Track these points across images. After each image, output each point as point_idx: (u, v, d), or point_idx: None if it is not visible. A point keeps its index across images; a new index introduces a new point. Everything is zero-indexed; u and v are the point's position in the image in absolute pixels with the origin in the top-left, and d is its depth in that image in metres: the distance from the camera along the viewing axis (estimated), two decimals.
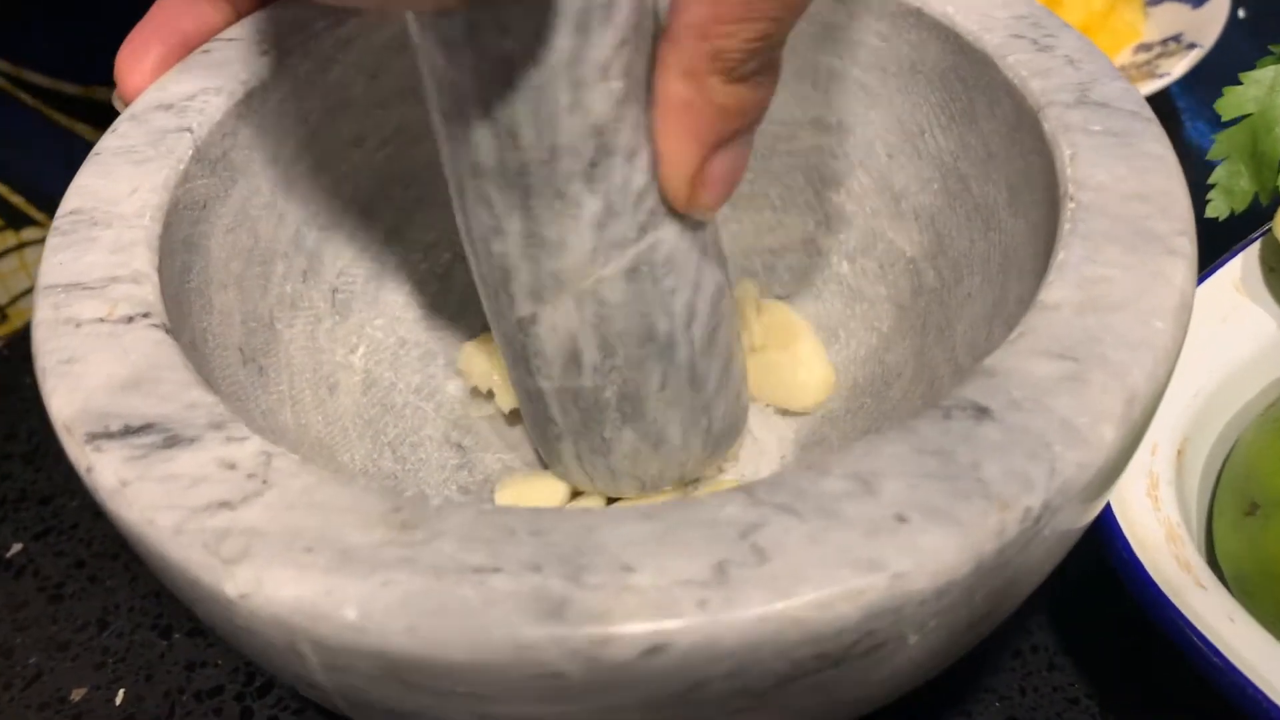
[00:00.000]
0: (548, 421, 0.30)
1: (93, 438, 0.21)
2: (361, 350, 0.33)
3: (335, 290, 0.33)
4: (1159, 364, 0.21)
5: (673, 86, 0.23)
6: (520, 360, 0.29)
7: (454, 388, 0.34)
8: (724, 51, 0.22)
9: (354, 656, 0.18)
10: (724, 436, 0.31)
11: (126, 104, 0.30)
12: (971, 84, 0.29)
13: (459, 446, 0.33)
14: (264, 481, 0.20)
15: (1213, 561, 0.31)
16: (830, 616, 0.18)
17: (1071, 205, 0.24)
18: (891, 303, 0.32)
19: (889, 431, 0.20)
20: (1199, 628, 0.27)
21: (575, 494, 0.32)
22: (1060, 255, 0.23)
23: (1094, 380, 0.20)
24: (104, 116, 0.30)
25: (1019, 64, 0.27)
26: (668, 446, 0.30)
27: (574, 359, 0.28)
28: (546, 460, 0.32)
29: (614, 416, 0.29)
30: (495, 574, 0.18)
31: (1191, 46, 0.49)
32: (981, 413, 0.20)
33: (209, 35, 0.31)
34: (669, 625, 0.17)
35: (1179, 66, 0.47)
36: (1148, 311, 0.21)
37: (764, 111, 0.24)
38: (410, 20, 0.23)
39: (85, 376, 0.22)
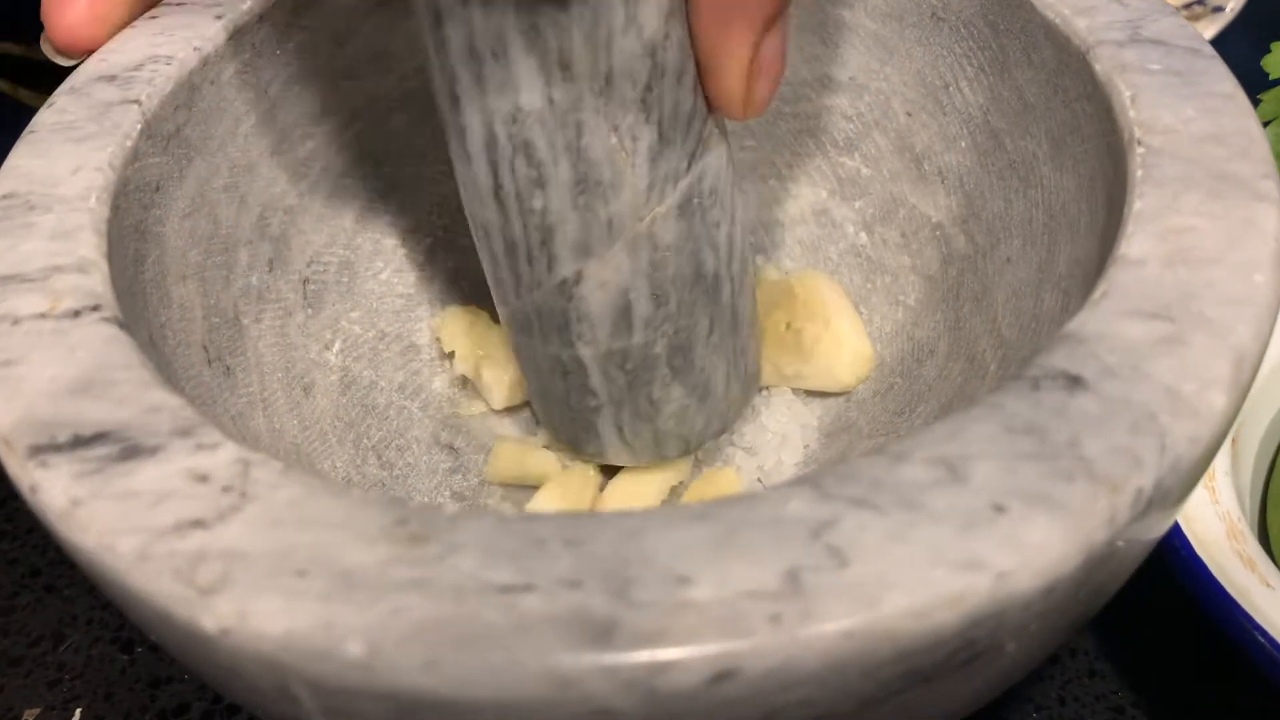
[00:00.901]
0: (585, 395, 0.27)
1: (36, 451, 0.18)
2: (337, 346, 0.30)
3: (306, 280, 0.30)
4: (1264, 321, 0.18)
5: None
6: (557, 330, 0.26)
7: (440, 384, 0.31)
8: None
9: (360, 699, 0.15)
10: (753, 379, 0.30)
11: (58, 50, 0.26)
12: (1003, 29, 0.27)
13: (450, 448, 0.30)
14: (242, 495, 0.17)
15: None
16: (926, 627, 0.15)
17: (1140, 150, 0.21)
18: (917, 273, 0.30)
19: (971, 409, 0.17)
20: (1270, 631, 0.24)
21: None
22: (1136, 205, 0.20)
23: (1195, 342, 0.18)
24: (50, 79, 0.26)
25: (1060, 2, 0.25)
26: (713, 397, 0.29)
27: (624, 316, 0.25)
28: (572, 441, 0.30)
29: (664, 373, 0.27)
30: (526, 593, 0.15)
31: (1217, 10, 0.47)
32: (1074, 382, 0.17)
33: None
34: (738, 646, 0.15)
35: (1208, 31, 0.45)
36: (1244, 264, 0.19)
37: None
38: None
39: (26, 380, 0.19)
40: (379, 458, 0.29)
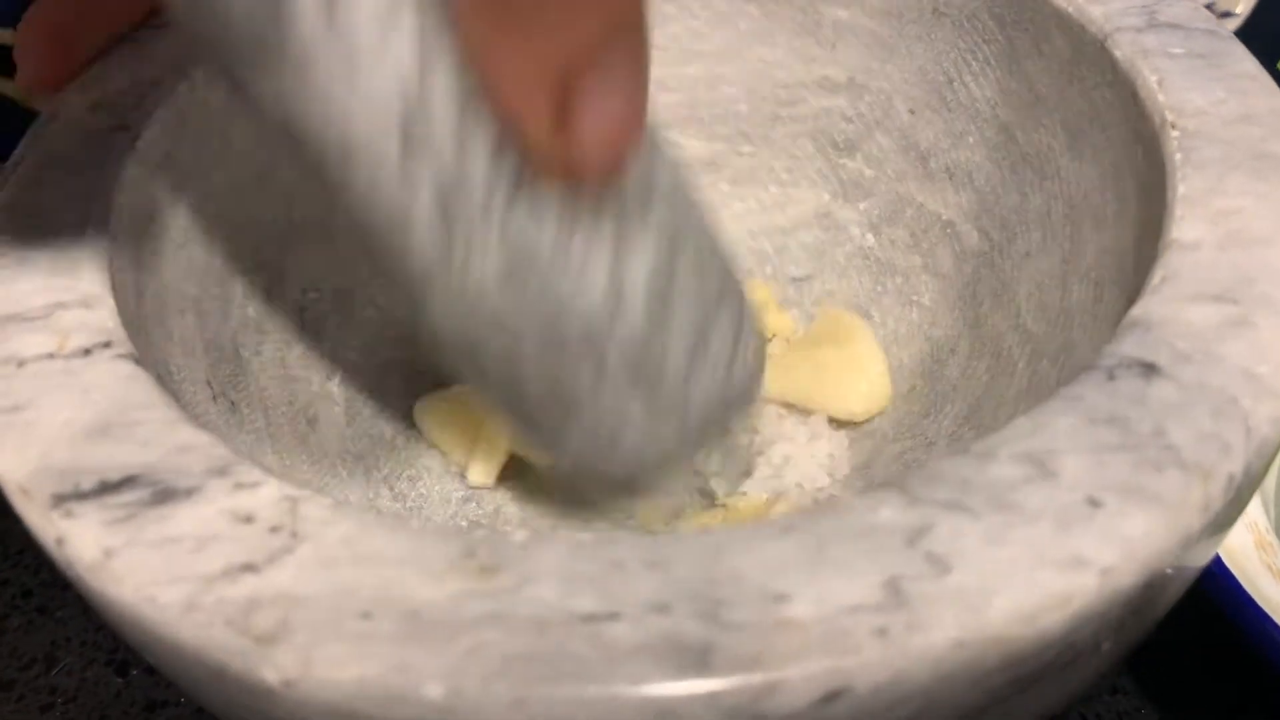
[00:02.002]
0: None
1: (59, 500, 0.16)
2: (339, 376, 0.29)
3: (303, 309, 0.28)
4: None
5: None
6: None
7: None
8: None
9: None
10: (716, 419, 0.25)
11: (30, 89, 0.25)
12: (1010, 21, 0.26)
13: (462, 476, 0.29)
14: (293, 534, 0.16)
15: None
16: (1035, 632, 0.14)
17: (1175, 134, 0.21)
18: (929, 272, 0.29)
19: (1050, 402, 0.17)
20: None
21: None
22: (1181, 189, 0.20)
23: (1262, 323, 0.18)
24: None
25: None
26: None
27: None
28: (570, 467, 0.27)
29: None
30: (613, 621, 0.14)
31: (1226, 15, 0.47)
32: (1149, 369, 0.17)
33: (128, 14, 0.26)
34: (846, 663, 0.14)
35: None
36: None
37: None
38: None
39: (38, 425, 0.18)
40: (391, 489, 0.28)
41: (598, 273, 0.20)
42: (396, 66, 0.16)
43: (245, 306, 0.27)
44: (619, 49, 0.16)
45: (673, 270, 0.21)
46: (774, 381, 0.29)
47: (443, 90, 0.17)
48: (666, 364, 0.22)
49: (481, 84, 0.16)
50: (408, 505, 0.28)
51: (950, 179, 0.29)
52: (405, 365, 0.30)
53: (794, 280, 0.32)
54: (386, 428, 0.29)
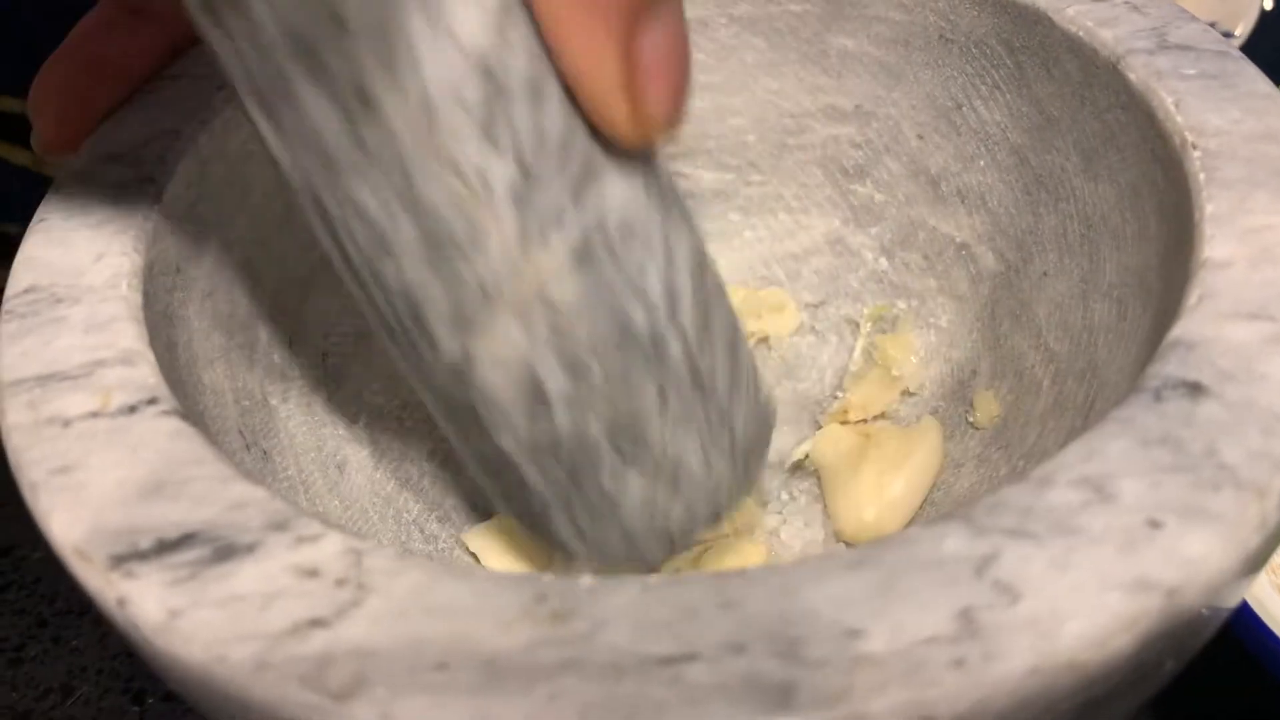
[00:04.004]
0: (525, 492, 0.22)
1: (119, 561, 0.16)
2: (364, 420, 0.29)
3: (325, 355, 0.28)
4: None
5: None
6: (468, 423, 0.21)
7: None
8: None
9: None
10: (755, 447, 0.25)
11: (45, 149, 0.25)
12: (1019, 46, 0.27)
13: (489, 516, 0.29)
14: (359, 586, 0.16)
15: None
16: (1106, 655, 0.14)
17: (1197, 153, 0.21)
18: (945, 294, 0.30)
19: (1101, 425, 0.17)
20: None
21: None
22: (1209, 208, 0.20)
23: None
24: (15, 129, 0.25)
25: (1081, 15, 0.25)
26: (690, 481, 0.23)
27: (536, 396, 0.20)
28: (545, 540, 0.25)
29: (610, 458, 0.22)
30: (690, 663, 0.14)
31: (1227, 35, 0.48)
32: (1195, 389, 0.17)
33: (140, 68, 0.26)
34: (927, 695, 0.14)
35: None
36: None
37: None
38: None
39: (90, 486, 0.18)
40: (422, 531, 0.28)
41: (652, 276, 0.20)
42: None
43: (270, 354, 0.27)
44: (665, 13, 0.17)
45: (704, 270, 0.21)
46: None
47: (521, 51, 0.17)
48: (717, 382, 0.22)
49: (557, 38, 0.17)
50: (439, 547, 0.28)
51: (962, 202, 0.29)
52: (423, 405, 0.30)
53: (808, 306, 0.32)
54: (412, 469, 0.29)
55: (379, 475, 0.28)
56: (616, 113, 0.18)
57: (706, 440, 0.23)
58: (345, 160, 0.18)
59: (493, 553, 0.28)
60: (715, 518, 0.24)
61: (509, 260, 0.19)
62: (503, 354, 0.20)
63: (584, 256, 0.19)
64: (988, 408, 0.27)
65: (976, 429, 0.27)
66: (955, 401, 0.28)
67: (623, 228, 0.19)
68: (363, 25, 0.16)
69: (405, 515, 0.28)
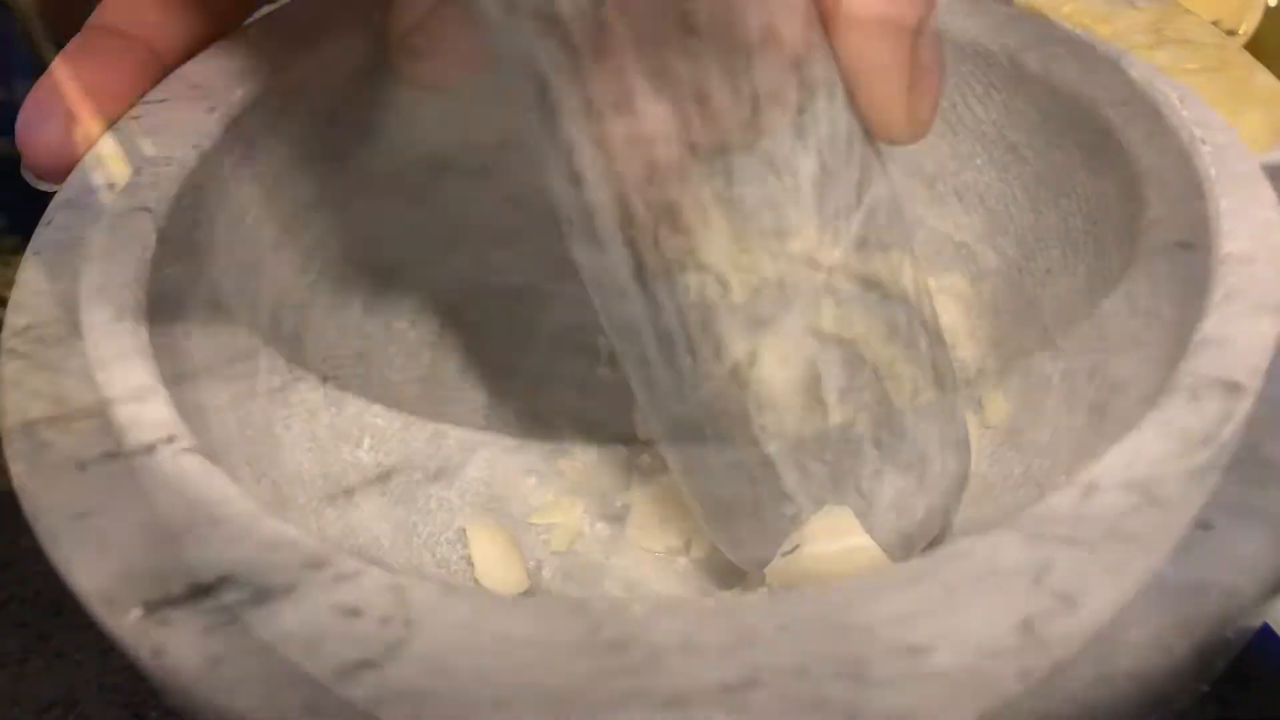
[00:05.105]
0: (780, 502, 0.22)
1: (152, 608, 0.16)
2: (367, 443, 0.28)
3: (325, 377, 0.28)
4: None
5: None
6: (738, 428, 0.22)
7: (474, 470, 0.30)
8: None
9: None
10: (965, 448, 0.25)
11: (38, 175, 0.24)
12: (1015, 45, 0.27)
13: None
14: (406, 624, 0.15)
15: None
16: (1169, 659, 0.14)
17: (1207, 149, 0.21)
18: (945, 293, 0.30)
19: (1141, 427, 0.17)
20: None
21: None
22: (1224, 202, 0.20)
23: None
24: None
25: (1078, 12, 0.25)
26: (931, 474, 0.24)
27: (814, 393, 0.21)
28: (753, 563, 0.24)
29: (871, 455, 0.22)
30: (753, 689, 0.14)
31: (1230, 33, 0.48)
32: (1231, 387, 0.17)
33: (126, 92, 0.26)
34: (996, 708, 0.14)
35: None
36: None
37: None
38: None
39: (111, 531, 0.17)
40: (433, 554, 0.27)
41: (906, 272, 0.22)
42: None
43: (270, 379, 0.26)
44: (933, 30, 0.20)
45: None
46: None
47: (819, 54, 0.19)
48: (946, 366, 0.24)
49: (850, 55, 0.19)
50: (452, 569, 0.27)
51: (960, 200, 0.29)
52: (427, 424, 0.30)
53: None
54: (418, 491, 0.29)
55: (386, 500, 0.27)
56: (899, 113, 0.20)
57: (943, 433, 0.24)
58: (670, 166, 0.19)
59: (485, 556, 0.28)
60: (945, 520, 0.25)
61: (807, 254, 0.20)
62: (789, 350, 0.21)
63: (862, 250, 0.21)
64: (997, 407, 0.27)
65: (986, 428, 0.27)
66: (963, 401, 0.28)
67: (886, 225, 0.21)
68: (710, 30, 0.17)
69: (415, 538, 0.27)
